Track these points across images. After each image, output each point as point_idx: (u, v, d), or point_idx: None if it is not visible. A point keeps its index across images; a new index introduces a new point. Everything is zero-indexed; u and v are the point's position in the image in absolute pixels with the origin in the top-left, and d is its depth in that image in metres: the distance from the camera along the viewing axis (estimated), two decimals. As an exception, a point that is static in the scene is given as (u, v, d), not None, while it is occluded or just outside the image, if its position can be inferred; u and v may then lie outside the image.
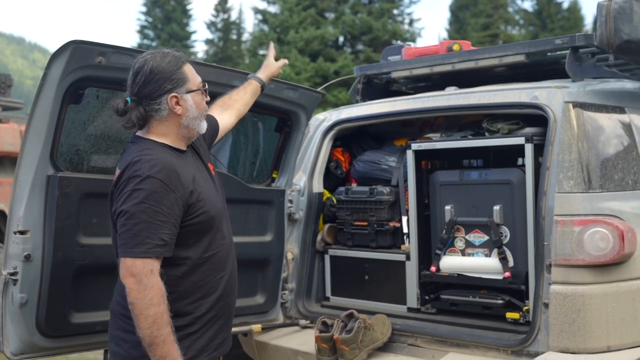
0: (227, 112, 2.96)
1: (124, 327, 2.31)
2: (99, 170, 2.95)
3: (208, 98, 2.50)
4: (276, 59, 3.23)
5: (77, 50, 2.65)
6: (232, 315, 2.56)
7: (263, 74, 3.16)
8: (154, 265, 2.19)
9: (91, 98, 2.89)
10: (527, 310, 3.17)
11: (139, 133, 2.43)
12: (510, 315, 3.25)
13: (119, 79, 2.83)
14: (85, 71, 2.73)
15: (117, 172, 2.34)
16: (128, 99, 2.38)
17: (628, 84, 3.63)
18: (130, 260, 2.18)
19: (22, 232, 2.67)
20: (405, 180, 3.74)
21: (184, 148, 2.47)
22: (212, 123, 2.80)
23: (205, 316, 2.39)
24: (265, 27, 27.30)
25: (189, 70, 2.43)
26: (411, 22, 27.98)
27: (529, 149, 3.20)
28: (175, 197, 2.24)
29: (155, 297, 2.16)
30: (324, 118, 4.08)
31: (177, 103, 2.37)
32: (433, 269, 3.53)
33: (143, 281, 2.16)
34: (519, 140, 3.24)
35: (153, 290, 2.16)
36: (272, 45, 3.28)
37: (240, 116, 3.03)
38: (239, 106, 3.02)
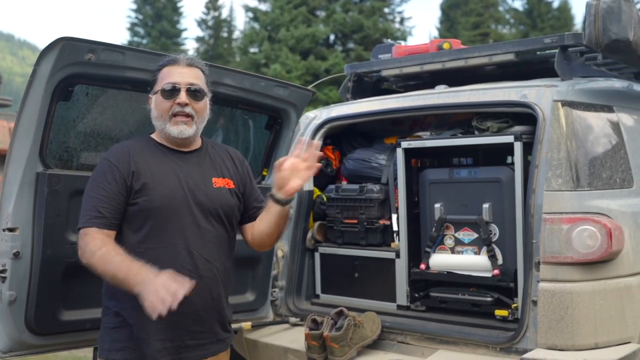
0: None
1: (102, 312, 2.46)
2: (89, 168, 2.93)
3: (181, 99, 2.45)
4: None
5: (66, 47, 2.65)
6: (182, 325, 2.41)
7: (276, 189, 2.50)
8: (90, 231, 2.34)
9: (81, 95, 2.88)
10: (516, 308, 3.19)
11: None
12: (499, 312, 3.26)
13: (108, 76, 2.84)
14: (75, 68, 2.72)
15: None
16: None
17: (616, 83, 3.66)
18: (80, 230, 2.37)
19: (11, 230, 2.67)
20: (395, 178, 3.75)
21: (175, 147, 2.52)
22: (257, 195, 2.68)
23: (138, 310, 2.20)
24: (256, 25, 27.26)
25: (165, 72, 2.52)
26: (402, 21, 28.01)
27: (518, 147, 3.21)
28: (119, 175, 2.39)
29: (93, 246, 2.30)
30: (314, 116, 4.08)
31: (151, 103, 2.56)
32: (422, 266, 3.54)
33: (81, 244, 2.34)
34: (508, 139, 3.25)
35: (90, 244, 2.31)
36: (290, 159, 2.49)
37: (259, 243, 2.67)
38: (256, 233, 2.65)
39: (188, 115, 2.47)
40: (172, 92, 2.46)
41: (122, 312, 2.40)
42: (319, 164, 2.53)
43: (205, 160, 2.59)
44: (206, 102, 2.55)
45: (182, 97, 2.47)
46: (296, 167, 2.44)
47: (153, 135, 2.57)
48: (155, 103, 2.51)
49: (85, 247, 2.31)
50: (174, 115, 2.46)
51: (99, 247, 2.28)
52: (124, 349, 2.39)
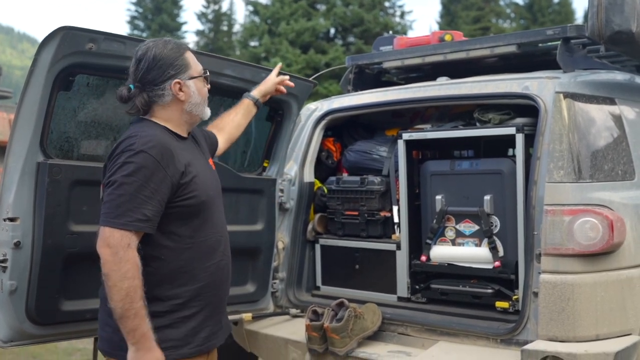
0: (219, 136, 2.99)
1: (108, 311, 2.32)
2: (89, 158, 2.93)
3: (209, 86, 2.57)
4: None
5: (67, 36, 2.64)
6: (222, 309, 2.56)
7: (257, 90, 3.21)
8: (132, 239, 2.20)
9: (81, 85, 2.87)
10: (517, 300, 3.19)
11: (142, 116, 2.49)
12: (500, 304, 3.26)
13: (109, 66, 2.83)
14: (76, 58, 2.71)
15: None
16: (131, 85, 2.43)
17: (618, 75, 3.65)
18: (109, 230, 2.19)
19: (11, 220, 2.66)
20: (396, 170, 3.74)
21: (184, 134, 2.52)
22: (212, 139, 2.89)
23: (189, 304, 2.38)
24: (257, 19, 27.20)
25: (190, 57, 2.49)
26: (402, 15, 27.99)
27: (519, 139, 3.20)
28: (164, 175, 2.26)
29: (130, 271, 2.17)
30: (316, 108, 4.08)
31: (180, 89, 2.43)
32: (423, 258, 3.54)
33: (119, 254, 2.17)
34: (510, 131, 3.25)
35: (129, 264, 2.18)
36: (279, 65, 3.40)
37: (231, 139, 3.08)
38: (229, 129, 3.06)
39: None
40: (207, 77, 2.56)
41: (160, 313, 2.32)
42: (284, 90, 3.31)
43: (197, 145, 2.62)
44: None
45: (208, 82, 2.59)
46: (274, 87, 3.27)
47: (158, 122, 2.44)
48: (198, 88, 2.49)
49: (120, 263, 2.16)
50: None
51: (132, 277, 2.17)
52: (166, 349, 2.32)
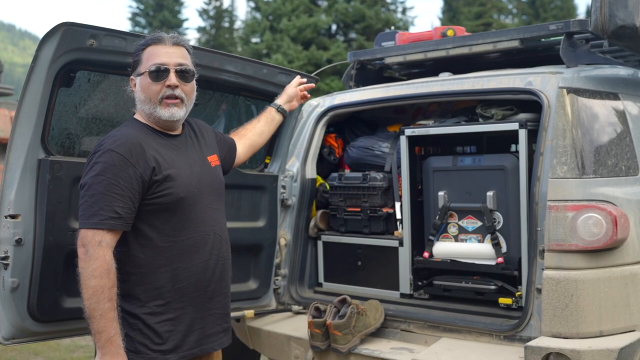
0: (240, 143, 2.95)
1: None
2: (91, 155, 2.92)
3: (171, 81, 2.39)
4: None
5: (68, 32, 2.62)
6: (215, 310, 2.48)
7: (280, 98, 3.20)
8: (104, 237, 2.19)
9: (82, 81, 2.86)
10: (520, 296, 3.18)
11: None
12: (503, 300, 3.25)
13: (110, 62, 2.82)
14: (77, 54, 2.69)
15: None
16: None
17: (622, 71, 3.63)
18: (83, 231, 2.20)
19: (13, 216, 2.65)
20: (399, 166, 3.73)
21: (171, 132, 2.47)
22: (230, 145, 2.85)
23: (172, 305, 2.33)
24: (258, 15, 27.15)
25: (147, 53, 2.41)
26: (404, 11, 27.89)
27: (522, 134, 3.19)
28: (135, 171, 2.25)
29: (98, 270, 2.16)
30: (317, 104, 4.06)
31: (135, 85, 2.45)
32: (426, 254, 3.53)
33: (89, 252, 2.17)
34: (513, 126, 3.23)
35: (97, 262, 2.16)
36: (298, 77, 3.34)
37: (253, 146, 3.05)
38: (250, 136, 3.03)
39: (178, 98, 2.41)
40: (160, 73, 2.38)
41: (143, 315, 2.30)
42: (307, 94, 3.31)
43: (195, 141, 2.57)
44: (194, 83, 2.50)
45: (172, 79, 2.39)
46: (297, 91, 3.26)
47: (141, 119, 2.45)
48: (142, 86, 2.39)
49: (89, 261, 2.17)
50: (164, 98, 2.38)
51: (99, 275, 2.16)
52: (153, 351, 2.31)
